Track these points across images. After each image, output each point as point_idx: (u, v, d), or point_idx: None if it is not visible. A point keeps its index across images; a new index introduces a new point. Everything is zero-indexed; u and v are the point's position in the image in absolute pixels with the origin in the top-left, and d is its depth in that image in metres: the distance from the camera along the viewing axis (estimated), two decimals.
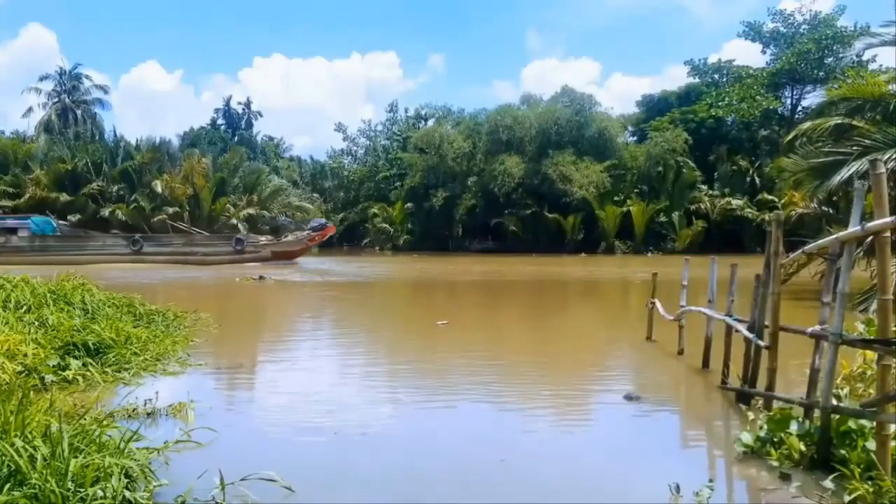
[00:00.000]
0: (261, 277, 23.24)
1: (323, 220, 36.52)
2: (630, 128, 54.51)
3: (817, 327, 5.05)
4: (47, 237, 33.64)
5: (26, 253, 32.06)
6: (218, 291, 20.41)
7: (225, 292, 20.20)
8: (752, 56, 79.46)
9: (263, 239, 34.12)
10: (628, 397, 6.76)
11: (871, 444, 4.21)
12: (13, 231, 32.99)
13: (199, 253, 32.36)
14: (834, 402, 4.71)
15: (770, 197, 41.74)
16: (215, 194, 47.59)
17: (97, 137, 55.13)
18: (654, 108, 53.16)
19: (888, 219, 3.98)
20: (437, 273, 28.61)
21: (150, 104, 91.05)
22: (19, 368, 6.60)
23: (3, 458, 3.70)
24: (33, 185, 46.42)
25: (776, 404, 5.62)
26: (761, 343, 5.95)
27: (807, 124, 18.74)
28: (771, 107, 48.20)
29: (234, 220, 46.63)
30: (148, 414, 5.81)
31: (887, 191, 4.14)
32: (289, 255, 33.01)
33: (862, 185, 4.60)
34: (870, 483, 3.95)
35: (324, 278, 25.47)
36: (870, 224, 4.16)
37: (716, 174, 48.92)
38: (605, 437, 5.87)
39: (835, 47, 46.06)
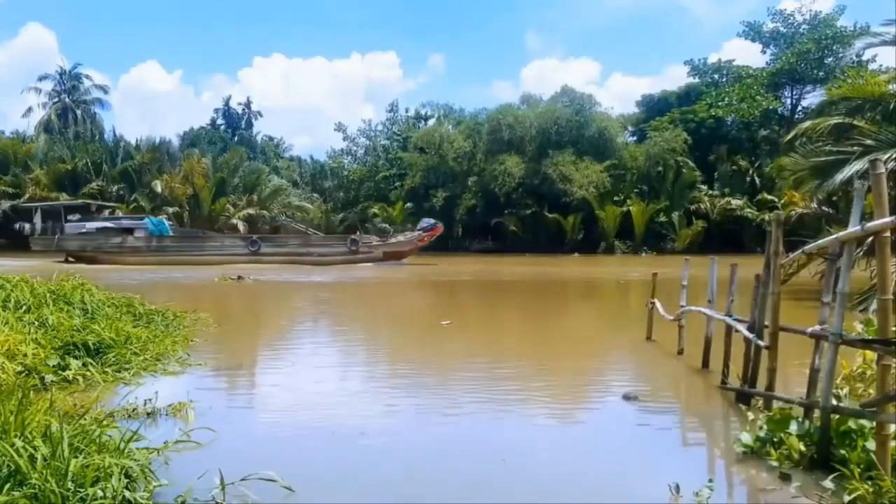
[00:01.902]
0: (239, 277, 23.29)
1: (432, 221, 35.94)
2: (630, 128, 54.53)
3: (817, 327, 5.05)
4: (164, 237, 33.66)
5: (143, 253, 32.16)
6: (194, 293, 20.22)
7: (203, 293, 20.13)
8: (752, 56, 79.49)
9: (375, 239, 33.97)
10: (627, 397, 6.76)
11: (871, 444, 4.21)
12: (129, 231, 33.02)
13: (314, 253, 32.38)
14: (834, 402, 4.71)
15: (770, 197, 41.77)
16: (215, 194, 47.62)
17: (97, 137, 55.17)
18: (654, 108, 53.18)
19: (888, 219, 3.98)
20: (436, 273, 28.59)
21: (150, 104, 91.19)
22: (19, 368, 6.60)
23: (3, 458, 3.70)
24: (33, 185, 46.45)
25: (776, 404, 5.62)
26: (761, 343, 5.95)
27: (807, 123, 18.74)
28: (771, 107, 48.23)
29: (233, 220, 46.69)
30: (148, 414, 5.81)
31: (887, 191, 4.14)
32: (399, 255, 32.97)
33: (862, 185, 4.60)
34: (870, 483, 3.95)
35: (308, 278, 25.40)
36: (870, 224, 4.16)
37: (716, 174, 48.94)
38: (606, 437, 5.87)
39: (835, 47, 46.09)
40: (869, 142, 14.72)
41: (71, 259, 32.54)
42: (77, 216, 35.87)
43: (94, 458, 3.85)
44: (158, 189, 47.13)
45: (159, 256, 31.77)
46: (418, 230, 34.60)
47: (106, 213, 38.31)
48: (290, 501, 4.11)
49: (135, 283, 20.16)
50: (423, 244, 34.23)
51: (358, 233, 33.91)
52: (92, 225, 33.81)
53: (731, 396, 6.57)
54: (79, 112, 58.45)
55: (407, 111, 59.38)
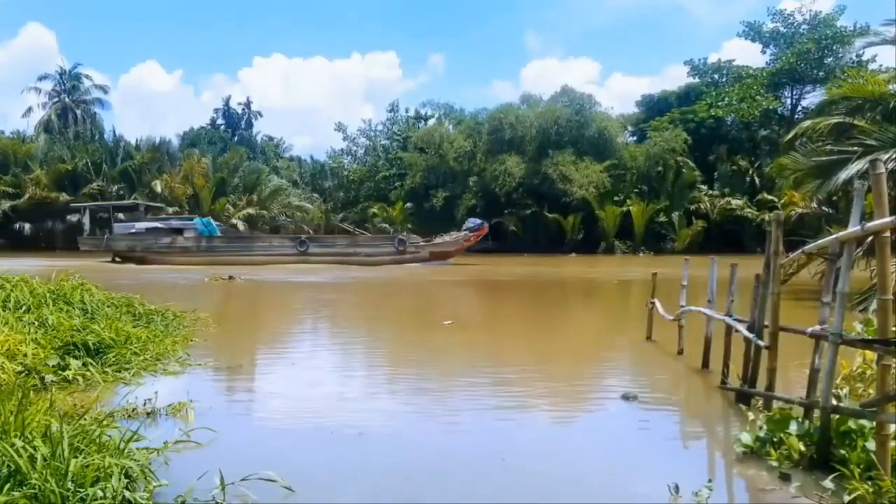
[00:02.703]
0: (230, 277, 23.29)
1: (479, 221, 35.60)
2: (630, 128, 54.52)
3: (817, 327, 5.04)
4: (213, 238, 33.68)
5: (192, 253, 32.21)
6: (186, 293, 20.18)
7: (196, 294, 20.13)
8: (751, 56, 79.53)
9: (422, 240, 33.89)
10: (626, 397, 6.76)
11: (871, 444, 4.21)
12: (179, 231, 33.06)
13: (362, 253, 32.38)
14: (834, 402, 4.71)
15: (770, 197, 41.77)
16: (215, 194, 47.64)
17: (97, 137, 55.18)
18: (654, 108, 53.18)
19: (888, 219, 3.98)
20: (435, 273, 28.58)
21: (150, 104, 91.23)
22: (19, 368, 6.60)
23: (3, 458, 3.70)
24: (33, 185, 46.48)
25: (776, 404, 5.62)
26: (761, 343, 5.95)
27: (807, 123, 18.75)
28: (771, 107, 48.22)
29: (233, 221, 46.69)
30: (148, 414, 5.81)
31: (887, 191, 4.14)
32: (445, 255, 32.90)
33: (862, 185, 4.60)
34: (869, 483, 3.95)
35: (303, 278, 25.35)
36: (870, 224, 4.16)
37: (716, 174, 48.95)
38: (606, 437, 5.87)
39: (835, 47, 46.11)
40: (869, 141, 14.72)
41: (118, 259, 32.70)
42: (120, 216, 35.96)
43: (94, 459, 3.85)
44: (158, 189, 47.15)
45: (208, 256, 31.85)
46: (464, 230, 34.33)
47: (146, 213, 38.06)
48: (290, 501, 4.11)
49: (129, 283, 20.15)
50: (469, 244, 33.99)
51: (405, 233, 33.77)
52: (141, 225, 33.84)
53: (731, 396, 6.57)
54: (79, 112, 58.45)
55: (407, 111, 59.42)
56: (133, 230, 33.28)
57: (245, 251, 32.63)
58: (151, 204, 41.36)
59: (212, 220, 35.98)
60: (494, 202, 46.45)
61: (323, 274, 26.96)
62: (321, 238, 36.51)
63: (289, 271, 27.87)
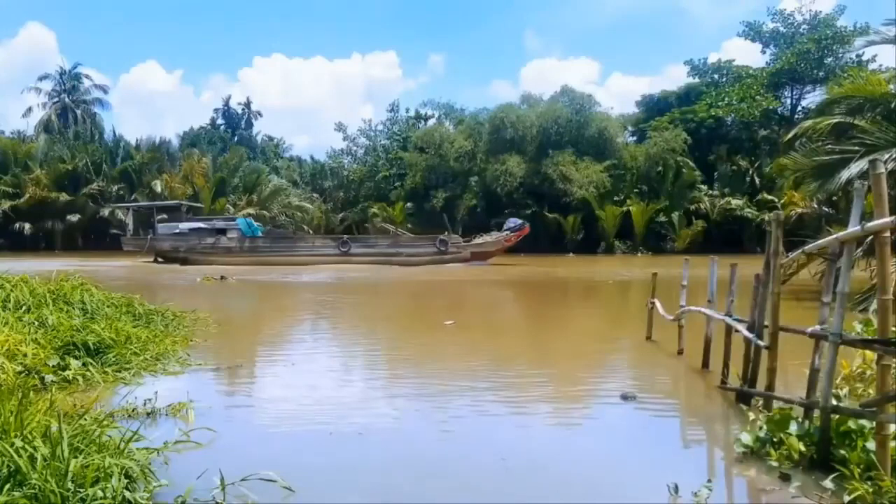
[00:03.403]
0: (222, 277, 23.24)
1: (520, 221, 35.50)
2: (630, 128, 54.49)
3: (817, 327, 5.04)
4: (256, 238, 33.71)
5: (236, 254, 32.30)
6: (178, 294, 20.17)
7: (187, 294, 20.11)
8: (751, 56, 79.58)
9: (462, 240, 33.82)
10: (625, 397, 6.76)
11: (871, 445, 4.21)
12: (223, 232, 33.12)
13: (403, 254, 32.41)
14: (834, 402, 4.71)
15: (770, 197, 41.77)
16: (215, 194, 47.64)
17: (97, 137, 55.21)
18: (654, 108, 53.15)
19: (888, 219, 3.98)
20: (435, 273, 28.56)
21: (150, 104, 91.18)
22: (19, 368, 6.60)
23: (3, 458, 3.70)
24: (33, 185, 46.49)
25: (776, 404, 5.62)
26: (761, 343, 5.95)
27: (807, 123, 18.74)
28: (771, 107, 48.20)
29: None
30: (148, 414, 5.81)
31: (887, 191, 4.14)
32: (486, 255, 32.82)
33: (862, 185, 4.60)
34: (869, 483, 3.95)
35: (296, 279, 25.32)
36: (870, 224, 4.16)
37: (716, 174, 48.93)
38: (605, 437, 5.87)
39: (835, 47, 46.09)
40: (869, 141, 14.72)
41: (160, 260, 32.73)
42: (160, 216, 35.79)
43: (94, 459, 3.85)
44: (158, 189, 47.16)
45: (251, 257, 31.96)
46: (505, 230, 34.14)
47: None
48: (290, 501, 4.11)
49: (122, 283, 20.15)
50: (510, 244, 33.86)
51: (446, 233, 33.85)
52: (185, 225, 33.89)
53: (731, 396, 6.57)
54: (79, 112, 58.49)
55: (407, 111, 59.39)
56: (177, 230, 33.33)
57: (288, 251, 32.68)
58: (193, 204, 41.51)
59: (253, 221, 36.07)
60: (495, 202, 46.44)
61: (320, 274, 26.96)
62: (363, 238, 36.55)
63: (282, 272, 27.77)
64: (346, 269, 29.07)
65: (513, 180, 44.90)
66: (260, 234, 34.38)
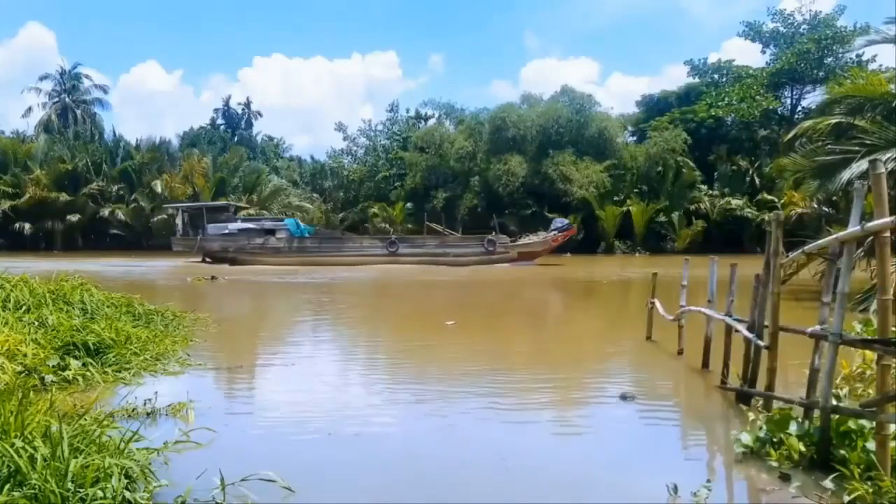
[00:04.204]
0: (213, 278, 23.19)
1: (567, 221, 35.47)
2: (630, 128, 54.44)
3: (817, 327, 5.04)
4: (305, 238, 33.73)
5: (284, 254, 32.31)
6: (169, 293, 20.18)
7: (179, 293, 20.10)
8: (751, 56, 79.51)
9: (508, 240, 33.69)
10: (624, 397, 6.76)
11: (871, 445, 4.21)
12: (271, 232, 33.15)
13: (451, 254, 32.39)
14: (834, 402, 4.71)
15: (770, 197, 41.75)
16: (215, 194, 47.58)
17: (97, 137, 55.20)
18: (654, 108, 53.10)
19: (888, 219, 3.98)
20: (433, 274, 28.55)
21: (150, 104, 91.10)
22: (19, 368, 6.60)
23: (3, 458, 3.71)
24: (33, 185, 46.47)
25: (776, 404, 5.62)
26: (761, 343, 5.95)
27: (807, 123, 18.75)
28: (771, 107, 48.17)
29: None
30: (148, 414, 5.81)
31: (887, 191, 4.14)
32: (532, 255, 32.75)
33: (862, 185, 4.60)
34: (869, 483, 3.95)
35: (283, 279, 25.29)
36: (870, 224, 4.16)
37: (715, 174, 48.89)
38: (605, 437, 5.87)
39: (835, 47, 46.05)
40: (870, 141, 14.72)
41: (208, 260, 32.73)
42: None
43: (94, 459, 3.85)
44: (158, 189, 47.15)
45: (300, 257, 31.96)
46: (552, 230, 33.98)
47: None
48: (290, 501, 4.11)
49: (116, 283, 20.14)
50: (556, 244, 33.76)
51: (494, 233, 33.79)
52: (234, 226, 33.88)
53: (731, 396, 6.57)
54: (79, 112, 58.48)
55: (407, 111, 59.38)
56: (226, 231, 33.32)
57: (336, 251, 32.69)
58: (240, 205, 41.48)
59: (300, 221, 36.10)
60: (495, 202, 46.38)
61: (316, 274, 26.94)
62: (411, 238, 36.34)
63: (274, 273, 27.72)
64: (392, 269, 29.05)
65: (515, 180, 44.87)
66: (308, 234, 34.45)
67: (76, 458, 3.80)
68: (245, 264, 30.98)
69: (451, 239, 34.78)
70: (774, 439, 4.84)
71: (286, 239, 33.03)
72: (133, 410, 5.81)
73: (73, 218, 46.92)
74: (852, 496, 3.92)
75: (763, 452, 4.81)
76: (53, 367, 6.96)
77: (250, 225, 34.32)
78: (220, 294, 20.04)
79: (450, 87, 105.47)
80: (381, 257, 32.06)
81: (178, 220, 36.29)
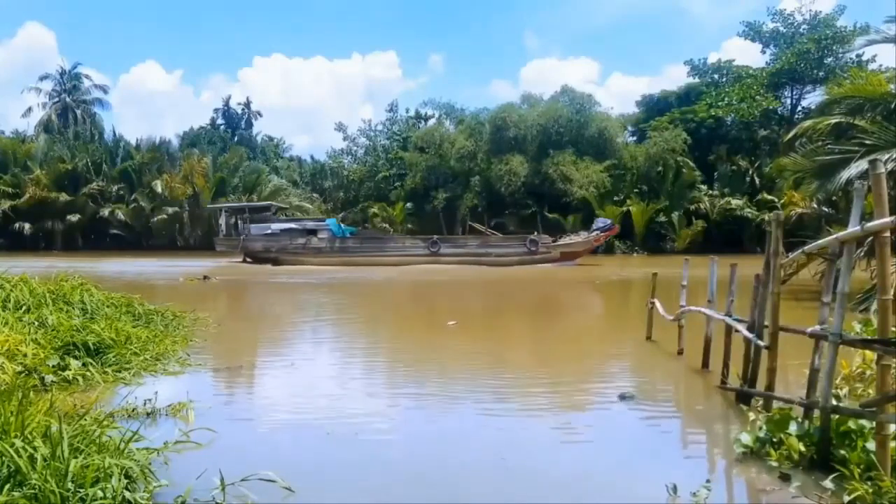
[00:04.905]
0: (205, 277, 23.16)
1: (609, 221, 35.25)
2: (630, 128, 54.43)
3: (817, 327, 5.04)
4: (346, 238, 33.79)
5: (326, 254, 32.33)
6: (162, 293, 20.09)
7: (172, 294, 20.06)
8: (751, 56, 79.42)
9: (550, 239, 33.59)
10: (622, 396, 6.76)
11: (871, 445, 4.21)
12: (313, 232, 33.20)
13: (493, 254, 32.35)
14: (834, 402, 4.71)
15: (770, 197, 41.74)
16: (215, 194, 47.60)
17: (97, 137, 55.18)
18: (654, 108, 53.08)
19: (888, 219, 3.98)
20: (432, 274, 28.55)
21: (150, 104, 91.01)
22: (19, 368, 6.60)
23: (3, 458, 3.71)
24: (33, 185, 46.47)
25: (776, 404, 5.62)
26: (761, 343, 5.95)
27: (807, 123, 18.75)
28: (771, 107, 48.14)
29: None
30: (148, 414, 5.81)
31: (887, 191, 4.14)
32: (574, 255, 32.69)
33: (862, 185, 4.60)
34: (869, 483, 3.95)
35: (281, 279, 25.28)
36: (870, 224, 4.16)
37: (715, 174, 48.86)
38: (605, 437, 5.87)
39: (834, 47, 46.02)
40: (869, 141, 14.72)
41: (248, 260, 32.75)
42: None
43: (94, 459, 3.85)
44: (158, 189, 47.16)
45: (342, 257, 32.03)
46: (594, 230, 33.85)
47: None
48: (290, 501, 4.11)
49: (113, 284, 20.13)
50: (598, 244, 33.66)
51: (536, 233, 33.68)
52: (277, 226, 33.92)
53: (731, 396, 6.57)
54: (79, 112, 58.46)
55: (407, 111, 59.38)
56: (269, 231, 33.36)
57: (378, 252, 32.67)
58: (280, 205, 41.60)
59: (340, 222, 36.09)
60: (495, 203, 46.39)
61: (313, 275, 26.94)
62: (453, 239, 36.32)
63: (265, 273, 27.69)
64: (433, 270, 29.03)
65: (517, 180, 44.87)
66: (349, 234, 34.45)
67: (76, 458, 3.80)
68: (287, 264, 31.00)
69: (494, 239, 34.72)
70: (774, 439, 4.84)
71: (328, 239, 33.06)
72: (133, 410, 5.81)
73: (73, 218, 46.91)
74: (852, 496, 3.92)
75: (763, 452, 4.81)
76: (53, 367, 6.96)
77: (292, 225, 34.35)
78: (215, 294, 20.02)
79: (450, 87, 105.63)
80: (423, 257, 32.06)
81: (221, 221, 36.38)
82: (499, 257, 31.92)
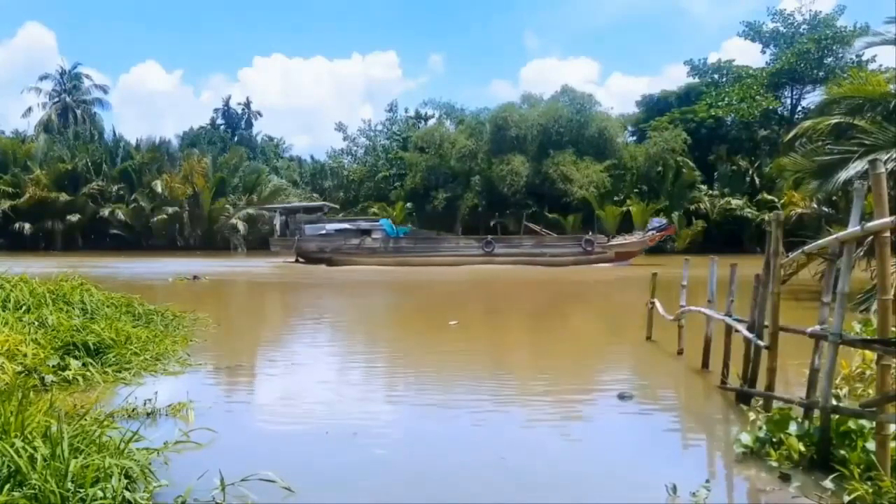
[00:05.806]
0: (195, 277, 23.16)
1: (665, 221, 35.40)
2: (630, 128, 54.43)
3: (817, 327, 5.04)
4: (400, 239, 33.83)
5: (380, 254, 32.41)
6: (154, 293, 20.00)
7: (165, 294, 20.06)
8: (751, 56, 79.41)
9: (605, 239, 33.62)
10: (622, 396, 6.76)
11: (871, 445, 4.21)
12: (367, 233, 33.28)
13: (547, 254, 32.38)
14: (833, 402, 4.71)
15: (770, 197, 41.74)
16: (215, 194, 47.65)
17: (97, 137, 55.19)
18: (654, 108, 53.09)
19: (888, 219, 3.98)
20: (431, 275, 28.55)
21: (150, 104, 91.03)
22: (19, 368, 6.60)
23: (3, 458, 3.70)
24: (33, 185, 46.48)
25: (776, 404, 5.62)
26: (761, 343, 5.95)
27: (807, 123, 18.75)
28: (771, 107, 48.15)
29: (233, 221, 46.72)
30: (148, 414, 5.81)
31: (887, 191, 4.14)
32: (629, 255, 32.67)
33: (862, 185, 4.60)
34: (869, 483, 3.95)
35: (275, 280, 25.23)
36: (869, 224, 4.16)
37: (715, 174, 48.87)
38: (605, 437, 5.87)
39: (834, 47, 46.05)
40: (869, 141, 14.72)
41: (300, 260, 32.81)
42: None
43: (94, 459, 3.85)
44: (158, 189, 47.18)
45: (396, 257, 32.07)
46: (650, 230, 33.86)
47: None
48: (290, 501, 4.11)
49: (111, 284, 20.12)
50: (653, 244, 33.60)
51: (590, 233, 33.58)
52: (331, 226, 34.03)
53: (730, 396, 6.56)
54: (78, 112, 58.47)
55: (406, 111, 59.37)
56: (323, 231, 33.42)
57: (432, 252, 32.71)
58: (332, 205, 41.70)
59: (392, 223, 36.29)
60: (495, 203, 46.39)
61: (313, 275, 26.94)
62: (507, 239, 36.23)
63: (257, 273, 27.67)
64: (486, 270, 28.90)
65: (518, 180, 44.87)
66: (403, 234, 34.49)
67: (76, 458, 3.80)
68: (341, 265, 31.06)
69: (549, 239, 34.70)
70: (774, 439, 4.84)
71: (382, 239, 33.12)
72: (133, 410, 5.81)
73: (73, 218, 46.94)
74: (852, 496, 3.92)
75: (763, 452, 4.80)
76: (53, 367, 6.96)
77: (346, 225, 34.44)
78: (206, 294, 20.02)
79: (450, 87, 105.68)
80: (477, 257, 32.09)
81: (277, 222, 36.45)
82: (553, 257, 31.86)
